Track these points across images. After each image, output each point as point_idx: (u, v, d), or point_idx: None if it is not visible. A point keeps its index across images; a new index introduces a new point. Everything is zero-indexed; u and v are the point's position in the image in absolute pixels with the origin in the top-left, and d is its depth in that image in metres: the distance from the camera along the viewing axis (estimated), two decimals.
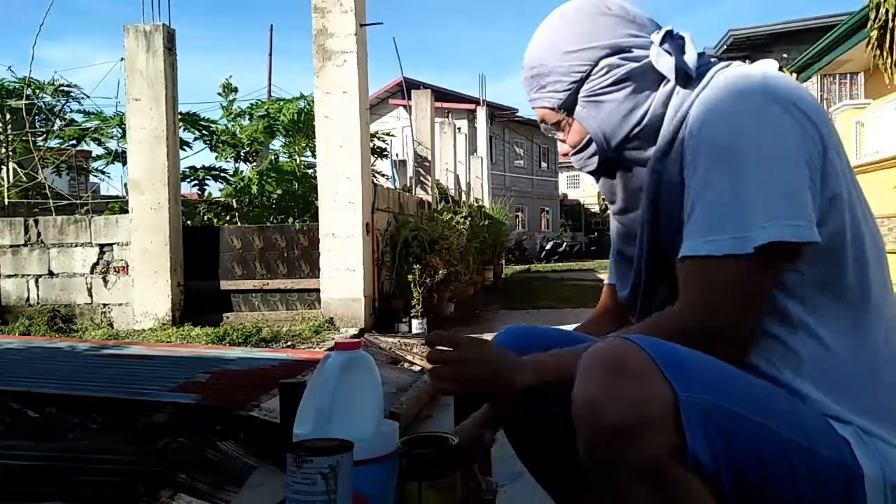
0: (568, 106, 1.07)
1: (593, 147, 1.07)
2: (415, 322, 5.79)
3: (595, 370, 0.82)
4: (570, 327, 1.36)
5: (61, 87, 7.69)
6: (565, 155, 1.14)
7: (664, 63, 0.99)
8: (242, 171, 8.08)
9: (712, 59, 1.03)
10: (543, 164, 31.73)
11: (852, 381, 0.90)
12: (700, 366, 0.85)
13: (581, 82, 1.04)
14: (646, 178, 1.04)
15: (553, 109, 1.08)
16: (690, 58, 0.98)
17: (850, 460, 0.84)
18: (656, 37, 1.01)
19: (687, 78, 0.99)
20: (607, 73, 1.03)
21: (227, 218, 7.58)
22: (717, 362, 0.90)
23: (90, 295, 5.91)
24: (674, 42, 1.00)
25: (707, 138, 0.90)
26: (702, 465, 0.80)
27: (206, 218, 7.73)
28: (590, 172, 1.13)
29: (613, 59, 1.03)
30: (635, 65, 1.02)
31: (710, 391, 0.81)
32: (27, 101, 7.17)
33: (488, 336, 1.23)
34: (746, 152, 0.87)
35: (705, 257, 0.88)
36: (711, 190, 0.89)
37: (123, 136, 6.55)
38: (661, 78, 1.01)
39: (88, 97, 10.81)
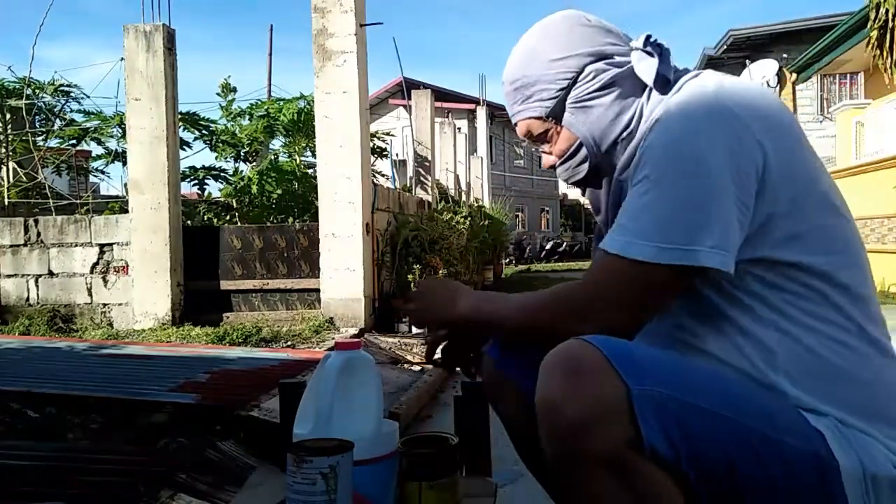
0: (556, 114, 1.08)
1: (583, 153, 1.08)
2: None
3: (554, 372, 0.85)
4: None
5: (61, 87, 7.68)
6: (551, 167, 1.14)
7: (645, 67, 1.01)
8: (242, 171, 8.07)
9: (681, 69, 1.05)
10: None
11: (828, 374, 0.91)
12: (653, 361, 0.87)
13: (568, 89, 1.06)
14: (612, 187, 1.06)
15: (541, 119, 1.09)
16: (669, 65, 1.01)
17: (824, 451, 0.86)
18: (637, 42, 1.04)
19: (665, 84, 1.01)
20: (594, 77, 1.05)
21: (227, 218, 7.57)
22: (678, 359, 0.93)
23: (90, 295, 5.91)
24: (654, 48, 1.02)
25: (647, 151, 0.93)
26: (660, 455, 0.82)
27: (206, 218, 7.72)
28: (576, 183, 1.13)
29: (599, 65, 1.05)
30: (620, 70, 1.04)
31: (664, 384, 0.84)
32: (27, 101, 7.16)
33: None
34: (673, 169, 0.90)
35: (604, 251, 0.94)
36: (636, 197, 0.92)
37: (123, 136, 6.54)
38: (645, 84, 1.03)
39: (88, 97, 10.83)
